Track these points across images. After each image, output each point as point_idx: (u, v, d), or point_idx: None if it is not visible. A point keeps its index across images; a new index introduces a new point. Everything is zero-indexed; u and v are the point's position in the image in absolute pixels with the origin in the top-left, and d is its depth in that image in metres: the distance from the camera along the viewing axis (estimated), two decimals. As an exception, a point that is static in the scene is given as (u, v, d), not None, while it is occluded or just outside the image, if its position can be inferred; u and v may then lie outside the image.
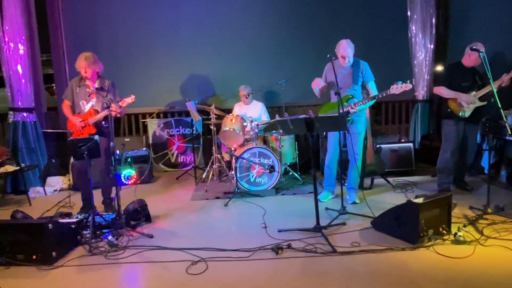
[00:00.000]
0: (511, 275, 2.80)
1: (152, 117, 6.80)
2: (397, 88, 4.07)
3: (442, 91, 4.50)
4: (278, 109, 6.43)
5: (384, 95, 4.17)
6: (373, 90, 4.37)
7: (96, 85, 4.29)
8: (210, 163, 5.85)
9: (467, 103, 4.38)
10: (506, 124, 3.75)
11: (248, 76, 6.55)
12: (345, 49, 4.24)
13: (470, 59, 4.40)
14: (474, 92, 4.38)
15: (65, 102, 4.40)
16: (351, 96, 4.31)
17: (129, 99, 4.14)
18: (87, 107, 4.30)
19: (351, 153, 4.38)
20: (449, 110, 4.49)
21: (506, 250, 3.13)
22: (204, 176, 5.84)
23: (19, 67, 5.59)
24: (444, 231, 3.38)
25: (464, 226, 3.57)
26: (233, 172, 5.16)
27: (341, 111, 3.99)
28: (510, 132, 3.82)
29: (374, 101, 4.37)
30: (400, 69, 6.58)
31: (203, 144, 6.85)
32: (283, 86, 5.84)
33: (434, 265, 2.96)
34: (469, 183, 4.87)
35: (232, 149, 5.46)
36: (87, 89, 4.29)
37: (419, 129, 6.56)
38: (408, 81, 4.04)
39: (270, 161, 5.12)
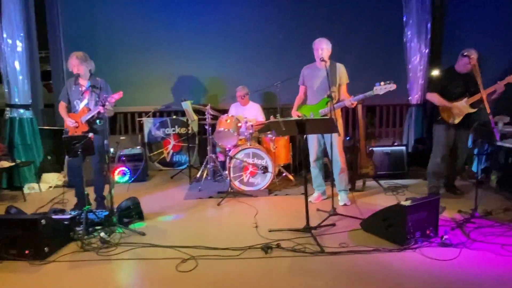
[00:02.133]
0: (494, 278, 2.85)
1: (148, 116, 6.84)
2: (381, 89, 4.09)
3: (434, 98, 4.52)
4: (274, 110, 6.47)
5: (367, 95, 4.17)
6: (344, 92, 4.43)
7: (88, 84, 4.32)
8: (204, 163, 5.89)
9: (458, 112, 4.41)
10: (495, 130, 3.81)
11: (244, 77, 6.59)
12: (321, 42, 4.30)
13: (461, 64, 4.43)
14: (465, 99, 4.40)
15: (61, 104, 4.45)
16: (328, 99, 4.34)
17: (117, 95, 4.09)
18: (80, 105, 4.34)
19: (334, 156, 4.42)
20: (440, 117, 4.53)
21: (491, 254, 3.18)
22: (198, 175, 5.88)
23: (16, 64, 5.62)
24: (431, 234, 3.44)
25: (452, 229, 3.62)
26: (226, 172, 5.20)
27: (322, 112, 4.03)
28: (499, 138, 3.88)
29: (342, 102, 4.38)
30: (395, 73, 6.61)
31: (198, 144, 6.90)
32: (278, 87, 5.90)
33: (420, 267, 3.01)
34: (459, 188, 4.94)
35: (226, 149, 5.51)
36: (80, 88, 4.32)
37: (413, 132, 6.62)
38: (391, 81, 4.07)
39: (263, 162, 5.17)
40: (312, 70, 4.50)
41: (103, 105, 3.88)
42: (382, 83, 4.06)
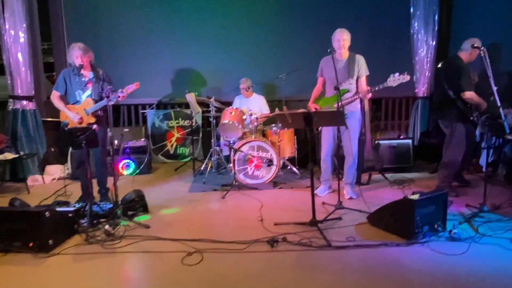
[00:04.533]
0: (504, 273, 2.82)
1: (152, 108, 6.80)
2: (394, 81, 4.01)
3: (475, 97, 4.25)
4: (278, 103, 6.42)
5: (381, 87, 4.10)
6: (363, 85, 4.35)
7: (92, 74, 4.27)
8: (208, 155, 5.85)
9: (482, 108, 4.33)
10: (505, 123, 3.75)
11: (249, 69, 6.53)
12: (342, 33, 4.24)
13: (471, 56, 4.32)
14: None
15: (55, 93, 4.30)
16: (347, 90, 4.29)
17: (134, 86, 4.11)
18: (83, 96, 4.27)
19: (347, 149, 4.38)
20: (472, 116, 4.30)
21: (500, 249, 3.14)
22: (202, 168, 5.85)
23: (19, 55, 5.59)
24: (439, 228, 3.40)
25: (460, 223, 3.58)
26: (231, 164, 5.17)
27: (340, 105, 3.97)
28: (508, 131, 3.82)
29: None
30: (401, 65, 6.49)
31: (202, 136, 6.86)
32: (283, 79, 5.84)
33: (428, 261, 2.98)
34: (466, 179, 4.91)
35: (231, 141, 5.47)
36: (83, 79, 4.25)
37: (419, 126, 6.56)
38: (406, 72, 3.99)
39: (268, 155, 5.12)
40: (330, 61, 4.41)
41: (108, 97, 3.83)
42: (396, 74, 3.99)
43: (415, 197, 3.36)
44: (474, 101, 4.26)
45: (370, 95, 4.22)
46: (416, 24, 6.44)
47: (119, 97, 4.01)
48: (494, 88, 3.74)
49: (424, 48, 6.43)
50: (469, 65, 4.38)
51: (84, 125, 4.18)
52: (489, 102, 4.21)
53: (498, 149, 5.02)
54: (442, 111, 4.51)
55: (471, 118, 4.34)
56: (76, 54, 4.17)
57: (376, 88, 4.13)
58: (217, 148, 5.84)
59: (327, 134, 4.49)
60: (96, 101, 4.25)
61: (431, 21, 6.38)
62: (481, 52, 3.80)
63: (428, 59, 6.45)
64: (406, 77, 3.98)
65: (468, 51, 4.29)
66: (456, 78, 4.28)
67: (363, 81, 4.37)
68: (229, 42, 6.74)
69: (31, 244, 3.24)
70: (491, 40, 5.29)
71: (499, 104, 3.66)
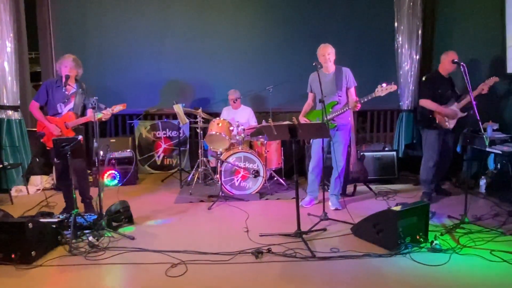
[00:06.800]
0: (484, 283, 2.87)
1: (139, 119, 6.79)
2: (382, 90, 4.13)
3: (429, 104, 4.56)
4: (265, 115, 6.48)
5: (369, 98, 4.21)
6: (353, 96, 4.46)
7: (76, 87, 4.27)
8: (195, 166, 5.86)
9: (453, 116, 4.52)
10: (485, 136, 3.85)
11: (236, 80, 6.58)
12: (326, 47, 4.35)
13: (447, 68, 4.54)
14: (455, 103, 4.51)
15: (34, 104, 4.26)
16: (336, 103, 4.38)
17: (120, 106, 4.14)
18: (65, 109, 4.26)
19: (334, 161, 4.44)
20: (435, 123, 4.56)
21: (480, 259, 3.19)
22: (189, 179, 5.85)
23: (5, 64, 5.55)
24: (421, 239, 3.45)
25: (441, 234, 3.64)
26: (218, 175, 5.18)
27: (325, 118, 4.05)
28: (488, 144, 3.92)
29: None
30: (386, 79, 6.60)
31: (190, 147, 6.86)
32: (271, 91, 5.91)
33: (410, 272, 3.02)
34: (447, 190, 5.06)
35: (218, 152, 5.49)
36: (66, 92, 4.25)
37: (403, 138, 6.67)
38: (393, 82, 4.12)
39: (255, 166, 5.16)
40: (317, 76, 4.48)
41: (94, 108, 3.84)
42: (384, 84, 4.11)
43: (398, 208, 3.41)
44: (430, 108, 4.56)
45: (359, 106, 4.30)
46: (400, 38, 6.58)
47: (102, 110, 4.01)
48: (474, 102, 3.85)
49: (408, 62, 6.57)
50: (443, 78, 4.62)
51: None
52: (468, 115, 4.39)
53: (479, 161, 5.13)
54: (421, 119, 4.85)
55: (434, 125, 4.57)
56: (67, 64, 4.18)
57: (365, 99, 4.23)
58: (204, 159, 5.85)
59: (317, 146, 4.53)
60: (77, 115, 4.26)
61: (414, 35, 6.53)
62: (461, 67, 3.92)
63: (412, 73, 6.59)
64: (393, 87, 4.12)
65: (445, 63, 4.57)
66: (422, 87, 4.85)
67: (352, 91, 4.48)
68: (218, 54, 6.79)
69: (13, 255, 3.19)
70: (471, 55, 5.45)
71: (478, 117, 3.75)
